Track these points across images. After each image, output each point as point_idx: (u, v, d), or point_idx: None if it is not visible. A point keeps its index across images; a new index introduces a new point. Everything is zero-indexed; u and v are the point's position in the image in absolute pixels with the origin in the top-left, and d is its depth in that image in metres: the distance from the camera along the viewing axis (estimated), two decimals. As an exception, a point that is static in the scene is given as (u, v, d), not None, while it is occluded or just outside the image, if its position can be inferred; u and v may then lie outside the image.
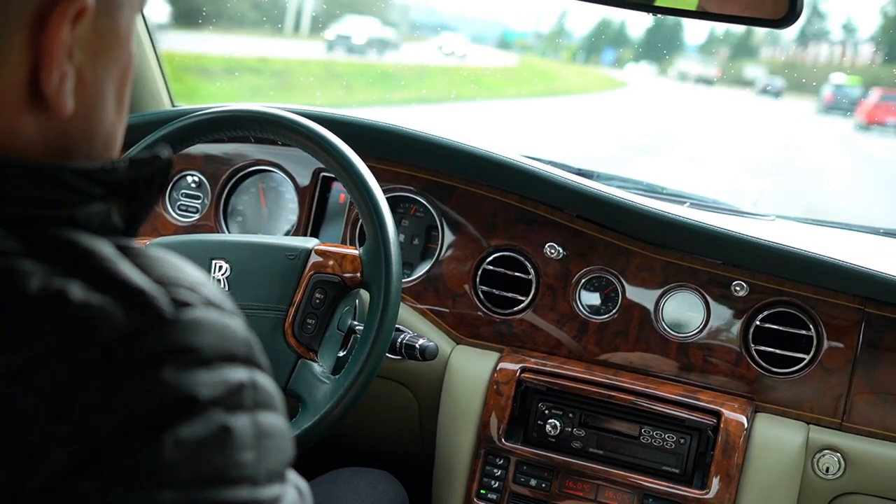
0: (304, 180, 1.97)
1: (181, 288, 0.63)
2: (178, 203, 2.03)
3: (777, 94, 29.73)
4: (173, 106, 2.24)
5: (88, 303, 0.59)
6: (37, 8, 0.64)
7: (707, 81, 31.14)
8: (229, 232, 2.01)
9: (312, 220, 1.97)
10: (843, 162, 16.38)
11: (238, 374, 0.63)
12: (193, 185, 2.02)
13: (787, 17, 1.26)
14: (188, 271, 0.66)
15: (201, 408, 0.60)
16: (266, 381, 0.66)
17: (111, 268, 0.62)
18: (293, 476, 0.69)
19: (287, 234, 2.00)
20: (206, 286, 0.65)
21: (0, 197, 0.63)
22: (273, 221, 2.02)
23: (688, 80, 31.38)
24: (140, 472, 0.57)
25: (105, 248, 0.64)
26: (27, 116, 0.65)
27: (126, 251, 0.65)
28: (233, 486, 0.60)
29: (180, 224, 2.01)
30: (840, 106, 24.57)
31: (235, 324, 0.65)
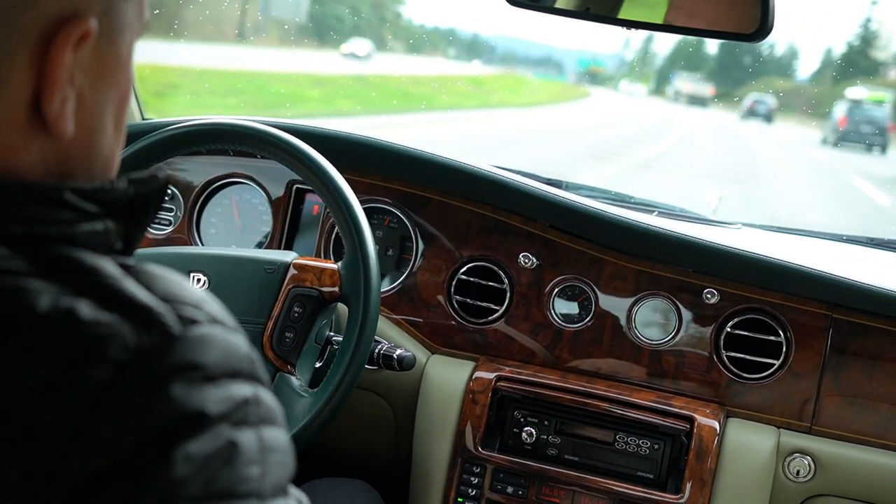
0: (278, 192, 1.98)
1: (186, 305, 0.64)
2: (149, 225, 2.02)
3: (767, 116, 25.98)
4: (143, 119, 2.23)
5: (98, 321, 0.60)
6: (41, 31, 0.65)
7: (700, 102, 30.07)
8: (202, 244, 2.01)
9: (286, 232, 1.98)
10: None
11: (243, 389, 0.64)
12: (166, 197, 2.02)
13: (759, 31, 1.28)
14: (191, 288, 0.67)
15: (209, 423, 0.61)
16: (268, 397, 0.67)
17: (117, 286, 0.63)
18: (294, 490, 0.71)
19: (260, 245, 2.00)
20: (209, 303, 0.67)
21: (2, 216, 0.64)
22: (246, 233, 2.02)
23: (680, 100, 30.73)
24: (153, 488, 0.58)
25: (109, 266, 0.65)
26: (28, 138, 0.66)
27: (129, 269, 0.66)
28: (240, 501, 0.61)
29: (153, 237, 2.01)
30: (854, 135, 19.27)
31: (239, 340, 0.67)
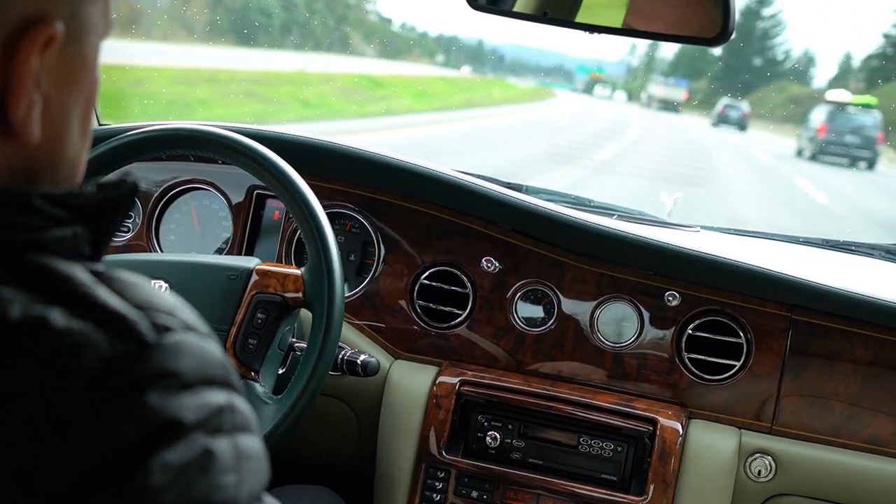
0: (238, 197, 1.96)
1: (160, 312, 0.64)
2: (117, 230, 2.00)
3: (740, 123, 23.58)
4: (100, 125, 2.21)
5: (71, 329, 0.59)
6: (6, 36, 0.63)
7: (672, 107, 29.26)
8: (161, 251, 1.99)
9: (247, 237, 1.97)
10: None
11: (218, 397, 0.64)
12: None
13: (720, 35, 1.29)
14: (164, 295, 0.66)
15: (185, 432, 0.60)
16: (242, 404, 0.67)
17: (90, 293, 0.62)
18: (269, 498, 0.70)
19: (220, 252, 1.98)
20: (182, 310, 0.66)
21: None
22: (206, 240, 2.01)
23: (652, 104, 30.17)
24: (129, 497, 0.57)
25: (81, 273, 0.64)
26: None
27: (100, 276, 0.65)
28: None
29: (111, 244, 1.98)
30: (836, 146, 16.22)
31: (213, 347, 0.66)
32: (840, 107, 18.10)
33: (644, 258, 1.79)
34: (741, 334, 1.76)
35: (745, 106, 25.20)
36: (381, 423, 1.83)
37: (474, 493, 1.75)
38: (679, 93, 31.20)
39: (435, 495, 1.77)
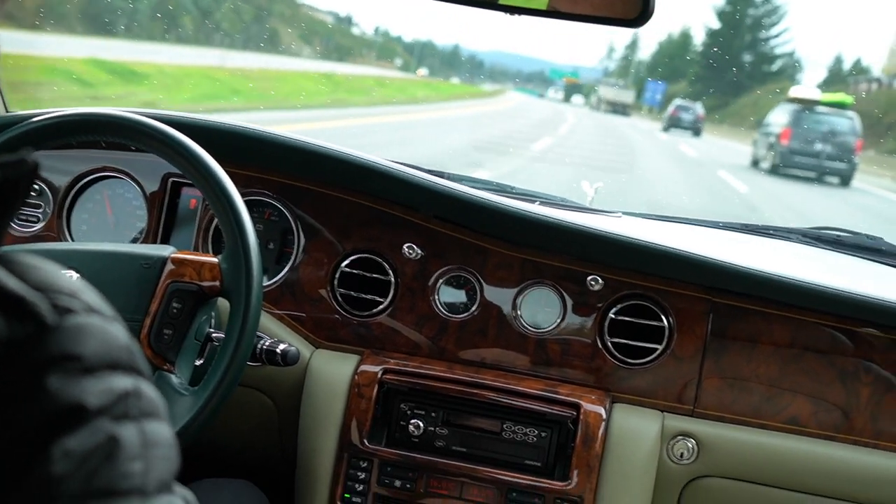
0: (153, 186, 1.91)
1: (61, 294, 0.61)
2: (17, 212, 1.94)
3: (694, 127, 20.72)
4: (7, 112, 2.13)
5: None
6: None
7: (621, 109, 28.65)
8: (74, 242, 1.93)
9: (162, 226, 1.92)
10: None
11: (123, 382, 0.61)
12: (33, 193, 1.94)
13: (640, 16, 1.29)
14: (65, 277, 0.63)
15: (88, 417, 0.57)
16: (150, 389, 0.64)
17: None
18: (179, 486, 0.67)
19: (135, 241, 1.93)
20: (85, 292, 0.63)
21: None
22: (120, 229, 1.95)
23: (601, 107, 29.93)
24: (31, 486, 0.54)
25: None
26: None
27: None
28: (122, 498, 0.58)
29: (20, 235, 1.92)
30: (803, 157, 12.51)
31: (117, 330, 0.63)
32: (807, 106, 14.26)
33: (566, 243, 1.78)
34: (663, 318, 1.77)
35: (699, 108, 23.19)
36: (303, 413, 1.80)
37: (397, 483, 1.73)
38: (628, 96, 30.88)
39: (358, 485, 1.74)
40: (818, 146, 13.50)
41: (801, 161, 13.36)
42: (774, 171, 13.64)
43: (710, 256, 1.75)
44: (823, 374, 1.74)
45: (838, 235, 2.15)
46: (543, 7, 1.49)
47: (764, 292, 1.74)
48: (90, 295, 0.64)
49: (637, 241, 1.75)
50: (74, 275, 1.53)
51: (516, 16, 1.57)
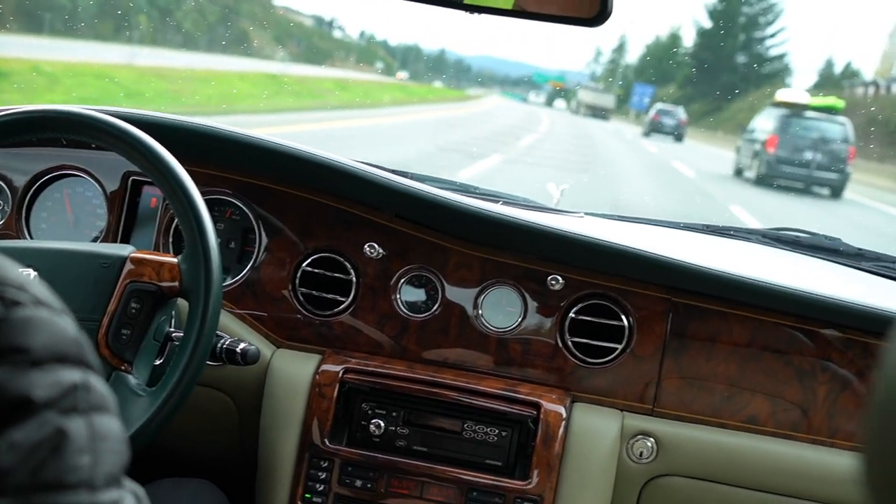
0: (113, 185, 1.90)
1: (8, 287, 0.61)
2: None
3: (676, 133, 19.81)
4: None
5: None
6: None
7: (600, 113, 28.35)
8: (32, 240, 1.92)
9: (122, 226, 1.91)
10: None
11: (71, 375, 0.61)
12: None
13: (599, 16, 1.30)
14: (13, 270, 0.63)
15: (35, 410, 0.58)
16: (99, 383, 0.65)
17: None
18: (129, 481, 0.67)
19: (95, 240, 1.92)
20: (33, 285, 0.63)
21: None
22: (80, 228, 1.94)
23: (581, 111, 29.75)
24: None
25: None
26: None
27: None
28: (70, 491, 0.58)
29: None
30: (791, 167, 11.55)
31: (66, 323, 0.63)
32: (795, 111, 13.29)
33: (527, 242, 1.79)
34: (623, 318, 1.78)
35: (681, 112, 22.56)
36: (263, 413, 1.80)
37: (358, 483, 1.73)
38: (608, 100, 30.61)
39: (318, 485, 1.74)
40: (808, 155, 12.67)
41: (788, 171, 12.55)
42: (760, 181, 12.74)
43: (669, 256, 1.76)
44: (781, 373, 1.76)
45: (797, 236, 2.17)
46: (510, 7, 1.50)
47: (723, 292, 1.75)
48: (38, 288, 0.64)
49: (597, 241, 1.76)
50: (32, 273, 1.52)
51: (479, 15, 1.57)
